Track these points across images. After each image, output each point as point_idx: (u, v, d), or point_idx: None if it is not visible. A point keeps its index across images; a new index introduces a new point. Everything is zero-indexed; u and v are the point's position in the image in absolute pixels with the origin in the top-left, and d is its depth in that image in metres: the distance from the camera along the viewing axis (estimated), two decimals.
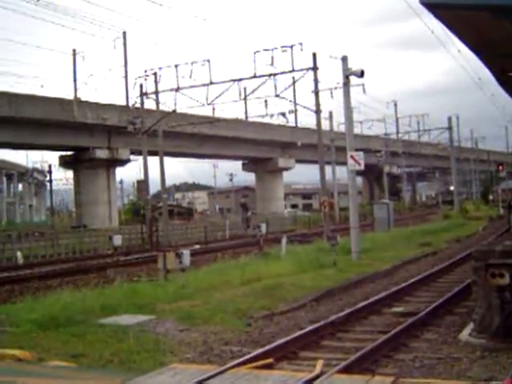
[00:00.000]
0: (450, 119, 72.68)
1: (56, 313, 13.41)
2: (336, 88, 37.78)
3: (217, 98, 39.04)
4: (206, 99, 38.96)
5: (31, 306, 14.50)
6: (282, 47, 35.52)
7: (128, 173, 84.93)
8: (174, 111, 42.13)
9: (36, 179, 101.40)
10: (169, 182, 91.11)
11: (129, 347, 11.39)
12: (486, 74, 16.91)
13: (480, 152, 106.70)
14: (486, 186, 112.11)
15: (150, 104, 44.41)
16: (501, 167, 70.30)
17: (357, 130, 60.27)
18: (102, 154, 62.53)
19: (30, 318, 13.02)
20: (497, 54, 13.99)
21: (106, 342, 11.82)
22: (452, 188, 77.56)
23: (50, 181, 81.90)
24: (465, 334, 11.48)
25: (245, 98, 38.60)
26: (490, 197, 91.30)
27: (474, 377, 8.96)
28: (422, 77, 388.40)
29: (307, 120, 50.43)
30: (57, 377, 9.18)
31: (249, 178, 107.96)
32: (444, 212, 70.11)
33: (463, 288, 16.04)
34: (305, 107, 38.59)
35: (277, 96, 37.54)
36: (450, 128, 72.26)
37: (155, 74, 40.97)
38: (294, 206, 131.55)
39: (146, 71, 41.47)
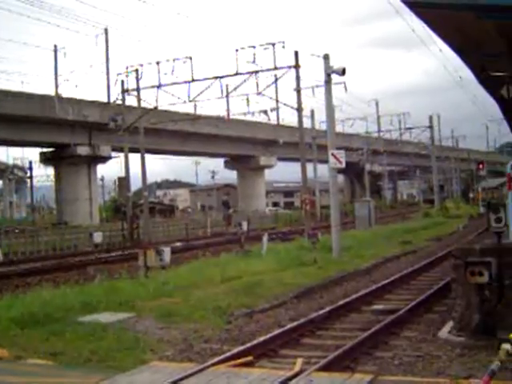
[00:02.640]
0: (431, 118, 73.09)
1: (35, 310, 13.32)
2: (318, 86, 37.90)
3: (198, 95, 39.04)
4: (188, 96, 38.95)
5: (10, 304, 14.35)
6: (264, 45, 35.51)
7: (109, 170, 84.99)
8: (156, 108, 42.02)
9: (16, 176, 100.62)
10: (150, 179, 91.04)
11: (108, 345, 11.34)
12: (467, 73, 17.00)
13: (461, 151, 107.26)
14: (466, 185, 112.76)
15: (131, 101, 44.32)
16: (481, 166, 70.73)
17: (338, 129, 60.40)
18: (83, 150, 62.31)
19: (9, 316, 12.89)
20: (478, 53, 14.06)
21: (86, 339, 11.74)
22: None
23: (31, 177, 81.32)
24: (444, 332, 11.53)
25: (227, 96, 38.57)
26: (471, 195, 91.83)
27: (453, 374, 8.98)
28: (404, 76, 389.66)
29: (289, 118, 50.45)
30: (35, 375, 9.11)
31: (231, 176, 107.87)
32: (425, 210, 70.47)
33: (443, 286, 16.11)
34: (286, 105, 38.63)
35: (259, 94, 37.55)
36: (431, 127, 72.62)
37: (137, 70, 40.83)
38: (275, 204, 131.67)
39: (127, 68, 41.39)
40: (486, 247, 11.42)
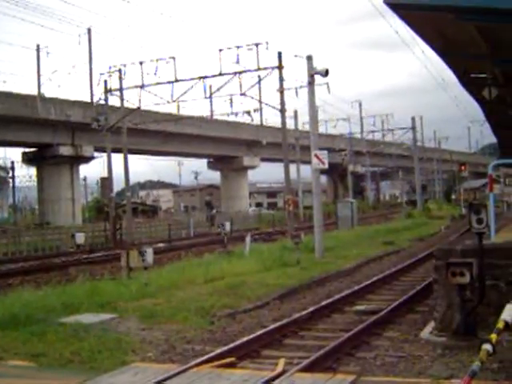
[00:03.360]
0: (413, 119, 73.44)
1: (16, 311, 13.21)
2: (301, 87, 38.06)
3: (182, 95, 39.00)
4: (171, 96, 38.89)
5: None
6: (248, 45, 35.55)
7: (92, 170, 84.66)
8: (139, 108, 41.92)
9: None
10: (133, 180, 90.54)
11: (90, 346, 11.28)
12: (449, 75, 17.09)
13: (443, 152, 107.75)
14: (448, 186, 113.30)
15: (114, 101, 44.25)
16: (463, 167, 71.10)
17: (321, 129, 60.76)
18: (65, 150, 61.98)
19: None
20: (460, 55, 14.14)
21: (67, 341, 11.67)
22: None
23: (13, 177, 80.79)
24: (426, 332, 11.57)
25: (210, 96, 38.55)
26: (453, 196, 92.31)
27: (434, 375, 9.02)
28: (388, 77, 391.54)
29: (272, 119, 50.78)
30: (16, 377, 9.05)
31: (214, 176, 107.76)
32: (407, 211, 70.71)
33: (425, 286, 16.18)
34: (270, 106, 38.70)
35: (242, 94, 37.58)
36: (413, 128, 72.96)
37: (120, 70, 40.75)
38: (258, 205, 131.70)
39: (110, 68, 41.29)
40: (468, 248, 11.49)
